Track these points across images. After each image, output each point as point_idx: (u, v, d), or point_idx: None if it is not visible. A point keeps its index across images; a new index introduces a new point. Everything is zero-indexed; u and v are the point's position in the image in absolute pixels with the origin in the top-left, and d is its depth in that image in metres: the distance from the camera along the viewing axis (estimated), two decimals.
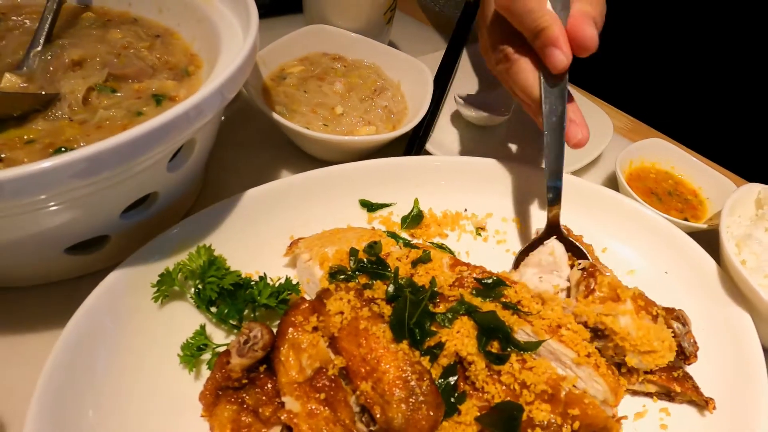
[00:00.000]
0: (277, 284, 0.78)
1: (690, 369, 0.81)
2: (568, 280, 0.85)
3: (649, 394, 0.78)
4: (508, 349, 0.65)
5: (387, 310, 0.69)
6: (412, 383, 0.60)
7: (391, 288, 0.71)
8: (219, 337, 0.78)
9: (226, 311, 0.73)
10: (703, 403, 0.74)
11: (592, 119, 1.30)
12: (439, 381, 0.64)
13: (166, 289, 0.74)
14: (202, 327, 0.74)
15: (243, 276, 0.78)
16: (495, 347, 0.65)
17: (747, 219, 0.97)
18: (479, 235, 1.00)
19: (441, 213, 1.01)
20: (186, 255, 0.78)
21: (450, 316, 0.68)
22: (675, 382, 0.74)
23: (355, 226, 0.94)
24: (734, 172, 1.30)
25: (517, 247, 0.99)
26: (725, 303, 0.87)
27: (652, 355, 0.73)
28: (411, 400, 0.59)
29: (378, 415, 0.59)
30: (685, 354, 0.79)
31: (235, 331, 0.77)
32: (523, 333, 0.69)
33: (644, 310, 0.77)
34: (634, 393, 0.79)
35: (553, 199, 0.91)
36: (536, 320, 0.70)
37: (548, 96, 0.84)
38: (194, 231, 0.82)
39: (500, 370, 0.63)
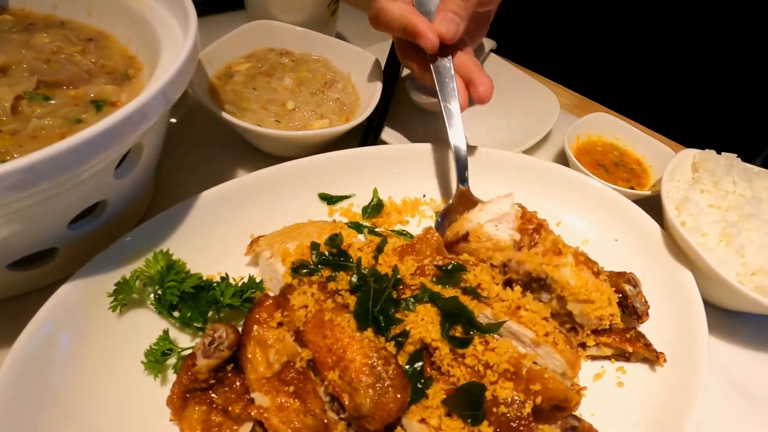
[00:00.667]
0: (240, 284, 0.78)
1: (642, 327, 0.86)
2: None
3: (607, 358, 0.83)
4: (471, 333, 0.67)
5: (351, 300, 0.70)
6: (378, 369, 0.61)
7: (354, 278, 0.72)
8: (184, 341, 0.77)
9: (189, 314, 0.73)
10: (654, 359, 0.79)
11: (538, 98, 1.35)
12: (406, 367, 0.65)
13: (123, 297, 0.73)
14: (165, 332, 0.73)
15: (204, 278, 0.77)
16: (458, 331, 0.67)
17: (685, 183, 1.02)
18: (439, 219, 1.02)
19: (401, 201, 1.03)
20: (143, 262, 0.77)
21: (413, 301, 0.69)
22: (627, 343, 0.79)
23: (316, 220, 0.94)
24: (673, 139, 1.37)
25: None
26: (670, 263, 0.92)
27: (591, 306, 0.77)
28: (378, 385, 0.60)
29: (347, 402, 0.60)
30: (638, 313, 0.84)
31: (200, 333, 0.76)
32: (484, 316, 0.71)
33: (584, 265, 0.81)
34: (594, 358, 0.83)
35: (461, 174, 0.98)
36: (496, 303, 0.72)
37: (436, 71, 0.96)
38: (150, 237, 0.81)
39: (464, 353, 0.65)
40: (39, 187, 0.56)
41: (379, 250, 0.80)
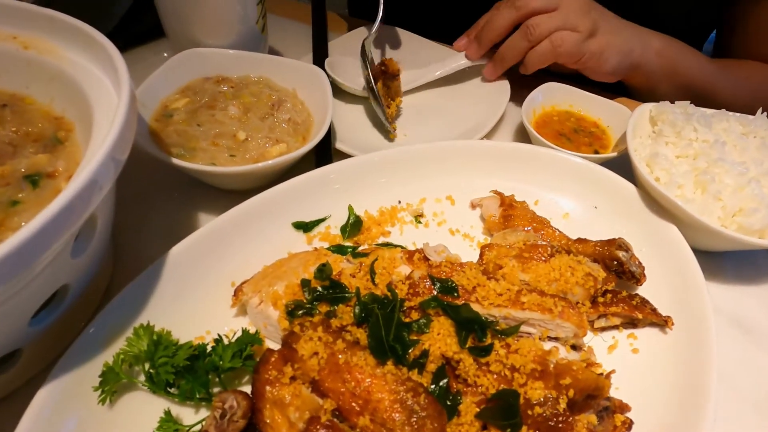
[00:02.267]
0: (234, 340, 0.72)
1: (641, 289, 0.87)
2: None
3: (615, 327, 0.83)
4: (487, 339, 0.64)
5: (360, 333, 0.66)
6: (409, 402, 0.58)
7: (357, 309, 0.68)
8: (188, 415, 0.70)
9: (189, 389, 0.66)
10: (663, 323, 0.79)
11: (483, 78, 1.34)
12: (432, 387, 0.62)
13: (112, 387, 0.66)
14: (167, 412, 0.67)
15: (195, 344, 0.71)
16: (475, 340, 0.65)
17: (647, 138, 1.04)
18: (419, 222, 0.99)
19: (377, 212, 0.99)
20: (123, 341, 0.70)
21: (425, 321, 0.66)
22: (636, 310, 0.79)
23: (296, 251, 0.89)
24: (624, 96, 1.39)
25: (458, 222, 1.00)
26: (652, 220, 0.94)
27: (561, 282, 0.78)
28: (413, 419, 0.57)
29: None
30: (635, 277, 0.84)
31: (204, 403, 0.70)
32: (492, 316, 0.69)
33: (530, 259, 0.80)
34: (603, 329, 0.83)
35: None
36: (495, 298, 0.70)
37: None
38: (124, 312, 0.73)
39: (488, 361, 0.63)
40: None
41: (373, 273, 0.76)
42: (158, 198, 1.02)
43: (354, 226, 0.94)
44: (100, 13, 0.75)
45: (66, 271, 0.66)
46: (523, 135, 1.25)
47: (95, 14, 0.81)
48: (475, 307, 0.69)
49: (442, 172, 1.05)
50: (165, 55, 1.37)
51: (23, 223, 0.64)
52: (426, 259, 0.79)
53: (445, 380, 0.63)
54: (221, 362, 0.67)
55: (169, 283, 0.78)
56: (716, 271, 0.97)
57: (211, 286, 0.82)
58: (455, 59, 1.33)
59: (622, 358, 0.79)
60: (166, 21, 1.17)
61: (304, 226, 0.94)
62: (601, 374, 0.68)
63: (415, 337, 0.66)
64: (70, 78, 0.78)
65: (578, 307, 0.73)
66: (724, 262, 0.99)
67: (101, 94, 0.75)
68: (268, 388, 0.61)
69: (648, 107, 1.07)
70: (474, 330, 0.65)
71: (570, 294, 0.77)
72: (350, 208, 0.95)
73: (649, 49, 1.22)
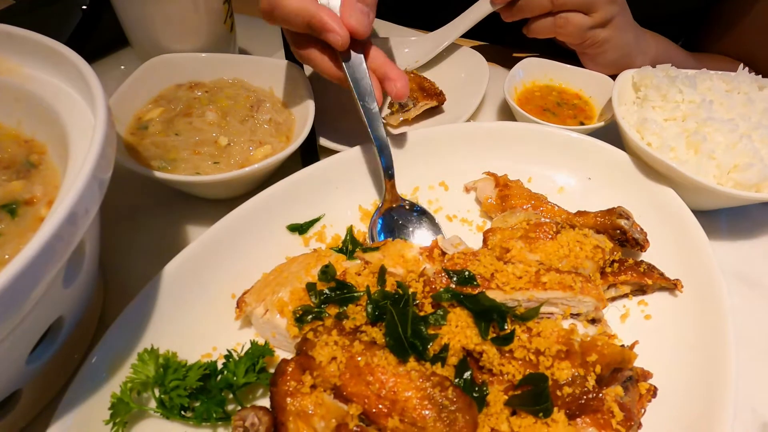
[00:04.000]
0: (244, 354, 0.69)
1: (644, 256, 0.87)
2: None
3: (625, 296, 0.83)
4: (507, 327, 0.63)
5: (375, 332, 0.64)
6: (437, 397, 0.56)
7: (369, 308, 0.66)
8: None
9: (204, 410, 0.63)
10: (672, 286, 0.79)
11: (459, 59, 1.32)
12: (456, 381, 0.61)
13: (123, 417, 0.63)
14: None
15: (204, 362, 0.68)
16: (495, 328, 0.63)
17: (632, 105, 1.04)
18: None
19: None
20: (127, 368, 0.66)
21: (442, 313, 0.64)
22: (645, 276, 0.79)
23: (294, 255, 0.86)
24: None
25: (454, 207, 0.99)
26: (647, 186, 0.94)
27: (571, 258, 0.77)
28: (443, 414, 0.55)
29: None
30: (639, 243, 0.84)
31: (222, 423, 0.67)
32: (513, 300, 0.68)
33: (536, 239, 0.80)
34: (613, 299, 0.83)
35: (387, 170, 0.93)
36: (516, 282, 0.69)
37: (349, 69, 0.89)
38: (124, 337, 0.70)
39: (511, 348, 0.61)
40: None
41: (381, 278, 0.73)
42: (143, 214, 0.98)
43: (353, 243, 0.90)
44: (50, 33, 0.71)
45: (59, 302, 0.62)
46: (506, 113, 1.24)
47: (46, 34, 0.76)
48: (496, 293, 0.68)
49: (433, 159, 1.03)
50: (122, 68, 1.32)
51: (6, 256, 0.60)
52: (443, 253, 0.77)
53: (469, 372, 0.62)
54: (235, 379, 0.64)
55: (168, 302, 0.74)
56: (714, 230, 0.98)
57: (211, 300, 0.79)
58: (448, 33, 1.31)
59: (636, 326, 0.79)
60: (129, 29, 1.11)
61: (299, 228, 0.91)
62: (623, 346, 0.68)
63: (432, 331, 0.64)
64: (36, 97, 0.73)
65: (593, 280, 0.72)
66: (719, 219, 1.00)
67: (73, 110, 0.71)
68: (288, 399, 0.58)
69: (630, 73, 1.07)
70: (493, 319, 0.63)
71: (581, 268, 0.76)
72: (349, 230, 0.91)
73: (646, 56, 1.25)
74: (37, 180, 0.70)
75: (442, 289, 0.67)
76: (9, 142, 0.75)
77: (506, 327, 0.63)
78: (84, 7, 1.27)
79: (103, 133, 0.58)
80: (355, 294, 0.71)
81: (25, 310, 0.51)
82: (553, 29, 1.15)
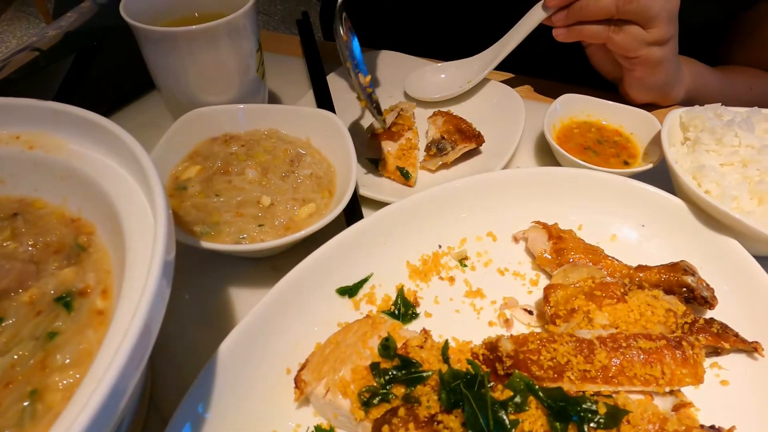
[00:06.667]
0: None
1: (712, 313, 0.83)
2: None
3: None
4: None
5: (452, 421, 0.60)
6: None
7: (443, 394, 0.62)
8: None
9: None
10: (751, 349, 0.76)
11: (493, 96, 1.29)
12: None
13: None
14: None
15: None
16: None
17: (681, 146, 1.01)
18: (465, 266, 0.94)
19: (419, 261, 0.93)
20: None
21: (521, 398, 0.61)
22: (720, 339, 0.75)
23: (345, 320, 0.83)
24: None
25: (504, 260, 0.95)
26: (707, 236, 0.90)
27: (652, 322, 0.74)
28: None
29: None
30: (708, 301, 0.80)
31: None
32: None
33: (603, 300, 0.76)
34: None
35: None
36: (595, 372, 0.65)
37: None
38: None
39: None
40: None
41: (445, 355, 0.70)
42: (181, 285, 0.93)
43: (405, 304, 0.86)
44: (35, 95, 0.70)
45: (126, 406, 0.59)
46: (543, 150, 1.21)
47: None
48: (570, 386, 0.64)
49: (479, 208, 1.00)
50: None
51: (67, 360, 0.57)
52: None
53: None
54: None
55: (225, 387, 0.71)
56: None
57: (265, 377, 0.76)
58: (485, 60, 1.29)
59: (712, 392, 0.75)
60: (161, 81, 1.08)
61: (349, 291, 0.87)
62: (712, 427, 0.64)
63: (513, 418, 0.60)
64: (82, 173, 0.70)
65: (691, 356, 0.68)
66: None
67: (119, 186, 0.68)
68: None
69: (678, 113, 1.04)
70: (572, 420, 0.59)
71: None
72: (400, 290, 0.87)
73: (681, 85, 1.23)
74: (88, 265, 0.67)
75: (516, 376, 0.63)
76: (55, 223, 0.72)
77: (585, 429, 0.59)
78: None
79: (165, 216, 0.55)
80: (423, 374, 0.68)
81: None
82: (606, 34, 1.10)
